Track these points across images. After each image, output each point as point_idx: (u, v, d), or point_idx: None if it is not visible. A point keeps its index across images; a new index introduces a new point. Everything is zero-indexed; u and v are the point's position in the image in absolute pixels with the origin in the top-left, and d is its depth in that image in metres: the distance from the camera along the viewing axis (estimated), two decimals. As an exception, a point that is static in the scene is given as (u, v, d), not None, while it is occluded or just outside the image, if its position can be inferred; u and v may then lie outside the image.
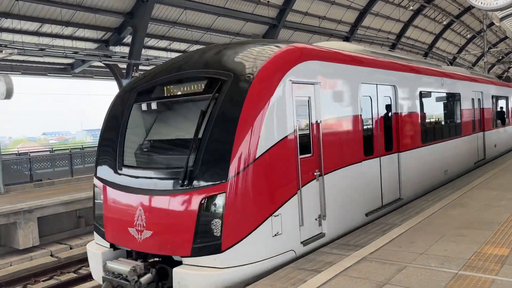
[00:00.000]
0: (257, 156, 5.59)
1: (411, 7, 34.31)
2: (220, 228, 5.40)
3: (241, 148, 5.53)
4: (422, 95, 10.52)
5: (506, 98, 19.31)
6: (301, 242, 6.26)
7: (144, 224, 5.87)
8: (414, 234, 6.97)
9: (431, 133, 11.00)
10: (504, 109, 18.60)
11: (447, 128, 12.27)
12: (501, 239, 6.46)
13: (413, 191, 9.81)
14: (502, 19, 39.26)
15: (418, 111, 10.23)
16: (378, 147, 8.50)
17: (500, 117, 17.99)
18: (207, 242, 5.45)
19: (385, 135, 8.86)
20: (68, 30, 19.45)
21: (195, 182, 5.62)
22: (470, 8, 37.29)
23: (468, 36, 46.05)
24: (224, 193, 5.43)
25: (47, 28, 18.78)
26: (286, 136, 6.03)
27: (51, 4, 17.44)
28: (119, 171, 6.51)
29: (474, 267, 5.41)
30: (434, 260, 5.72)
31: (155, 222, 5.82)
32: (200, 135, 5.81)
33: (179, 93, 6.46)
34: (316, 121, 6.75)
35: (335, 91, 7.29)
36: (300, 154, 6.32)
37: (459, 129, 13.00)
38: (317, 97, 6.78)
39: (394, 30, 37.25)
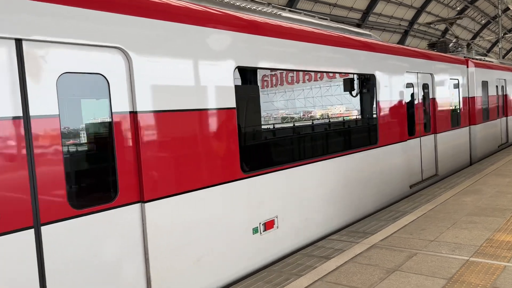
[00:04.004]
0: None
1: (424, -7, 33.74)
2: None
3: None
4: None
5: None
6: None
7: None
8: (425, 221, 6.92)
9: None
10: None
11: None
12: (514, 226, 6.37)
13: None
14: (518, 3, 38.30)
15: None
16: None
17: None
18: None
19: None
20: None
21: None
22: (485, -8, 36.53)
23: (483, 21, 45.18)
24: None
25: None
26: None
27: None
28: None
29: (486, 254, 5.35)
30: (445, 247, 5.67)
31: None
32: None
33: None
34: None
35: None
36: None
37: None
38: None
39: (406, 17, 36.71)
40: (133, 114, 4.15)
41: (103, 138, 4.02)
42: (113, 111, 4.02)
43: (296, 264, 5.43)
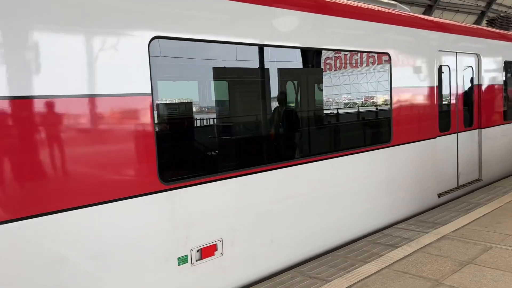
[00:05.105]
0: None
1: (505, -30, 31.11)
2: None
3: None
4: None
5: None
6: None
7: None
8: (501, 215, 6.49)
9: None
10: None
11: None
12: None
13: None
14: None
15: None
16: None
17: None
18: None
19: None
20: None
21: None
22: None
23: None
24: None
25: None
26: None
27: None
28: None
29: None
30: (525, 243, 5.30)
31: None
32: None
33: None
34: None
35: None
36: None
37: None
38: None
39: (484, -4, 34.12)
40: None
41: None
42: None
43: (362, 250, 5.33)
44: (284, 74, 5.13)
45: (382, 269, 4.73)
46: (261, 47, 4.71)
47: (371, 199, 6.14)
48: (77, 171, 3.36)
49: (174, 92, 4.25)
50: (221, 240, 4.33)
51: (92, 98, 3.43)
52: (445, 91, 7.85)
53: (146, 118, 3.72)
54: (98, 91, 3.46)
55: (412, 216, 6.89)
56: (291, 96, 5.35)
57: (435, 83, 7.27)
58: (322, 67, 5.58)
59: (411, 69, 6.82)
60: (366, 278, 4.53)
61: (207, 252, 4.21)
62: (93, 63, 3.43)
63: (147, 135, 3.72)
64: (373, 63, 6.28)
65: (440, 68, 7.55)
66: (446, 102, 7.86)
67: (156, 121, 3.81)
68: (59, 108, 3.27)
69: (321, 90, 5.66)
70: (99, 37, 3.47)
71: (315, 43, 5.28)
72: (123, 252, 3.64)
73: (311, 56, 5.40)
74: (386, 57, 6.32)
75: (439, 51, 7.43)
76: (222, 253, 4.35)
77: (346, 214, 5.76)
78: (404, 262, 4.91)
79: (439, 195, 7.54)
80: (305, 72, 5.45)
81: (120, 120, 3.59)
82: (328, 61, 5.67)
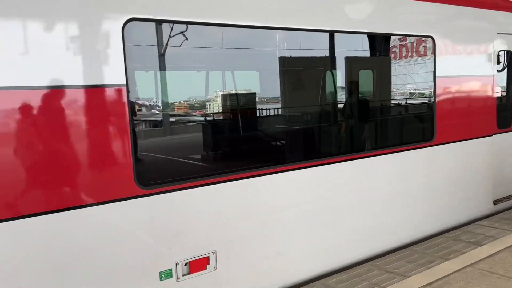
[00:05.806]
0: None
1: None
2: None
3: None
4: None
5: None
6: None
7: None
8: None
9: None
10: None
11: None
12: None
13: None
14: None
15: None
16: None
17: None
18: None
19: None
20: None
21: None
22: None
23: None
24: None
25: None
26: None
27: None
28: None
29: None
30: None
31: None
32: None
33: None
34: None
35: None
36: None
37: None
38: None
39: None
40: None
41: None
42: None
43: (441, 247, 5.09)
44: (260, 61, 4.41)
45: (466, 267, 4.49)
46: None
47: (388, 210, 5.10)
48: (30, 174, 2.90)
49: (154, 84, 3.59)
50: (214, 252, 3.74)
51: (55, 90, 2.96)
52: (507, 81, 6.78)
53: (119, 112, 3.17)
54: (62, 82, 2.98)
55: (458, 226, 5.88)
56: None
57: (493, 72, 6.23)
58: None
59: (461, 55, 5.80)
60: (448, 275, 4.32)
61: (197, 265, 3.63)
62: (55, 50, 2.96)
63: (121, 132, 3.18)
64: (412, 50, 5.56)
65: (501, 54, 6.51)
66: (507, 94, 6.81)
67: (132, 116, 3.24)
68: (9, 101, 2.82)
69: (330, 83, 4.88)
70: (62, 20, 2.97)
71: (323, 24, 4.36)
72: (91, 266, 3.16)
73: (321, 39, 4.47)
74: (429, 41, 5.38)
75: (498, 33, 6.31)
76: (215, 267, 3.74)
77: (359, 227, 4.85)
78: (489, 261, 4.62)
79: (495, 202, 6.50)
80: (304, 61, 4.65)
81: (87, 115, 3.07)
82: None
